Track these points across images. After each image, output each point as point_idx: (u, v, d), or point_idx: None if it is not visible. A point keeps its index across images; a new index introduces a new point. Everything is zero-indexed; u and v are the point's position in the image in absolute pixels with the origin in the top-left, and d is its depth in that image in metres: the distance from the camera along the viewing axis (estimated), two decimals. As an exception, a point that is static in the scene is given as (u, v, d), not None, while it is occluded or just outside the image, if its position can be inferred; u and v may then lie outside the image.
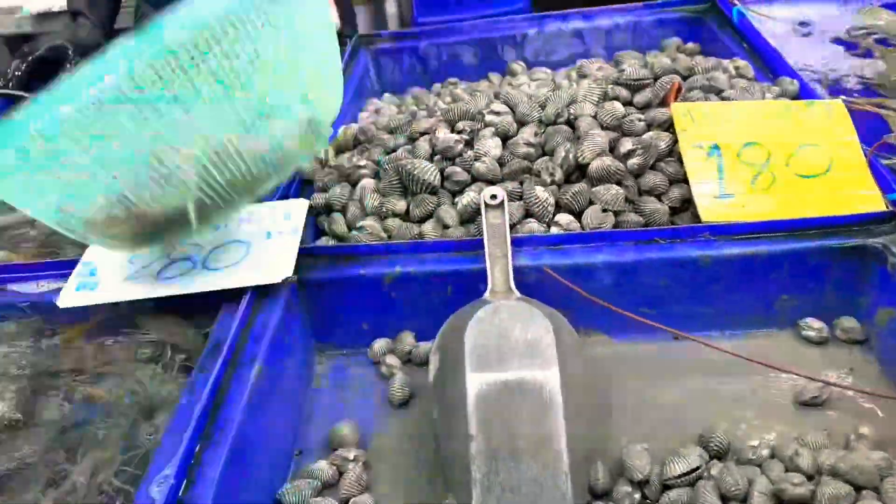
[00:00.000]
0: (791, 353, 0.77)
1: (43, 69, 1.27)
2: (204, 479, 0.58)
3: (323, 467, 0.67)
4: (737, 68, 0.99)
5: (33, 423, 0.66)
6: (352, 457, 0.68)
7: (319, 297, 0.80)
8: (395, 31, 1.51)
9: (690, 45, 1.24)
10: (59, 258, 0.85)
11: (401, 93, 1.35)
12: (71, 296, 0.74)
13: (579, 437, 0.63)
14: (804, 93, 0.96)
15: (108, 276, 0.76)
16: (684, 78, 0.96)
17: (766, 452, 0.64)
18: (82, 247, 0.81)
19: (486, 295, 0.74)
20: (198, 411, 0.62)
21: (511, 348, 0.65)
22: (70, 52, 1.28)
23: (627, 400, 0.74)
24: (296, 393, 0.76)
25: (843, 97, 0.90)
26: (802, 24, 1.26)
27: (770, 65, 1.07)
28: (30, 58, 1.28)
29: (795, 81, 0.97)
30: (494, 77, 1.31)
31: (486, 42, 1.40)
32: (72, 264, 0.79)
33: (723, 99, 0.91)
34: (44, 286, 0.79)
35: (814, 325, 0.77)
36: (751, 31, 1.16)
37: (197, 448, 0.60)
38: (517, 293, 0.73)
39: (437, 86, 1.33)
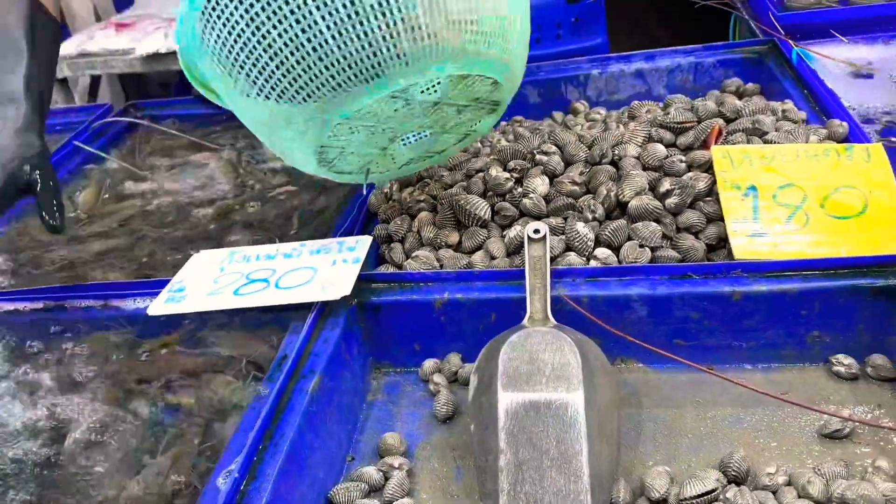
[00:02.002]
0: (821, 387, 0.79)
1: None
2: (263, 475, 0.66)
3: (371, 472, 0.75)
4: (784, 111, 1.03)
5: (125, 421, 0.77)
6: (397, 464, 0.75)
7: (377, 319, 0.88)
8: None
9: (750, 85, 1.27)
10: (154, 278, 0.97)
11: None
12: (160, 306, 0.85)
13: (601, 456, 0.69)
14: (853, 136, 0.99)
15: (193, 292, 0.87)
16: (730, 121, 1.00)
17: (781, 479, 0.68)
18: (174, 270, 0.93)
19: (525, 321, 0.80)
20: (262, 416, 0.70)
21: (540, 371, 0.71)
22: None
23: (656, 425, 0.78)
24: (352, 404, 0.84)
25: (885, 139, 0.92)
26: (864, 66, 1.28)
27: (824, 107, 1.09)
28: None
29: (845, 124, 0.99)
30: (557, 115, 1.38)
31: (551, 82, 1.47)
32: (164, 283, 0.91)
33: (766, 141, 0.95)
34: (139, 302, 0.91)
35: (844, 362, 0.79)
36: (808, 72, 1.19)
37: (259, 447, 0.68)
38: (553, 321, 0.80)
39: (501, 123, 1.41)
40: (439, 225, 0.96)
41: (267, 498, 0.64)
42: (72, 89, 2.15)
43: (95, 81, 2.19)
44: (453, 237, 0.94)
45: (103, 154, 1.35)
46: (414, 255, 0.93)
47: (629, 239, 0.88)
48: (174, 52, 2.34)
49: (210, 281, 0.90)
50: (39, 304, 0.93)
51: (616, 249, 0.88)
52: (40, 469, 0.72)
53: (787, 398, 0.75)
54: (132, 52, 2.06)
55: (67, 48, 2.30)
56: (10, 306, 0.94)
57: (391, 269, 0.95)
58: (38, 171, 0.86)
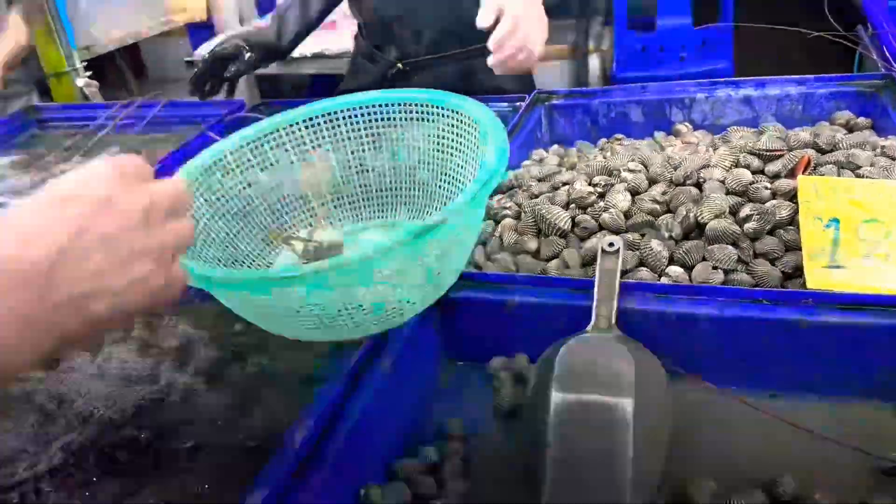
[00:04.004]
0: (885, 425, 0.78)
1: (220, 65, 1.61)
2: (336, 436, 0.74)
3: (430, 451, 0.80)
4: (884, 147, 1.01)
5: (226, 381, 0.86)
6: (455, 447, 0.81)
7: (453, 315, 0.94)
8: (573, 89, 1.64)
9: (861, 119, 1.24)
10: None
11: (568, 145, 1.48)
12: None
13: (646, 462, 0.71)
14: (955, 177, 0.96)
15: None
16: (824, 152, 0.99)
17: (826, 507, 0.68)
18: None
19: (588, 328, 0.84)
20: (338, 387, 0.78)
21: (594, 373, 0.74)
22: (245, 52, 1.59)
23: (709, 444, 0.80)
24: (420, 390, 0.90)
25: None
26: None
27: (932, 146, 1.06)
28: (212, 56, 1.62)
29: (946, 166, 0.97)
30: (659, 136, 1.40)
31: (656, 103, 1.49)
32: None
33: (858, 175, 0.94)
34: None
35: (913, 402, 0.78)
36: (922, 110, 1.16)
37: (331, 414, 0.76)
38: (617, 331, 0.83)
39: (602, 140, 1.44)
40: (520, 231, 1.01)
41: (335, 457, 0.72)
42: (211, 85, 2.34)
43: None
44: (532, 244, 0.99)
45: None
46: (493, 257, 0.99)
47: (703, 260, 0.90)
48: (307, 57, 2.51)
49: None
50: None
51: (689, 269, 0.90)
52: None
53: (843, 441, 0.75)
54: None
55: (210, 47, 2.51)
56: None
57: (471, 269, 1.00)
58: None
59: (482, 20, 1.21)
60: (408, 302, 0.82)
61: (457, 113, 0.95)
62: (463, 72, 1.58)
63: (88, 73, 1.93)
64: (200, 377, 0.87)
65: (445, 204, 1.00)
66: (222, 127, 1.57)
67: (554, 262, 0.96)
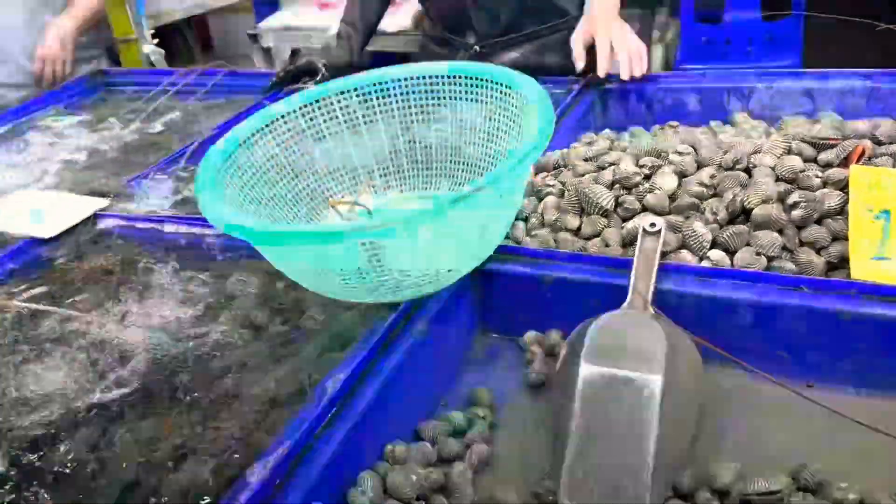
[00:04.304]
0: (926, 422, 0.76)
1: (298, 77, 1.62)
2: (365, 392, 0.76)
3: (458, 416, 0.82)
4: (947, 142, 0.97)
5: (266, 335, 0.89)
6: (482, 414, 0.82)
7: (489, 286, 0.95)
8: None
9: (928, 115, 1.20)
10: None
11: (621, 130, 1.46)
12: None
13: (671, 441, 0.71)
14: None
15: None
16: (881, 144, 0.97)
17: (853, 497, 0.67)
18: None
19: (623, 306, 0.83)
20: (370, 345, 0.80)
21: (624, 349, 0.74)
22: (320, 68, 1.60)
23: (740, 429, 0.79)
24: (452, 357, 0.92)
25: None
26: None
27: None
28: (289, 67, 1.65)
29: None
30: (715, 125, 1.37)
31: (713, 91, 1.46)
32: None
33: (916, 168, 0.91)
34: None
35: (956, 401, 0.76)
36: None
37: (363, 371, 0.78)
38: (652, 310, 0.82)
39: (655, 127, 1.42)
40: (562, 209, 1.01)
41: (362, 411, 0.73)
42: (274, 58, 2.39)
43: (295, 53, 2.42)
44: (573, 222, 0.99)
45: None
46: (533, 233, 0.99)
47: (747, 245, 0.88)
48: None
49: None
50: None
51: (731, 254, 0.88)
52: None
53: (880, 429, 0.73)
54: (329, 29, 2.26)
55: (273, 21, 2.56)
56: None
57: (510, 244, 1.01)
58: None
59: (579, 62, 1.45)
60: (445, 270, 0.83)
61: (507, 88, 0.96)
62: (536, 51, 1.58)
63: (155, 42, 1.99)
64: (241, 330, 0.89)
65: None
66: (281, 96, 1.60)
67: (595, 241, 0.96)
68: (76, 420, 0.77)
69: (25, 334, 0.91)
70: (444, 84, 1.01)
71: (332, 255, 0.76)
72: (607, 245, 0.94)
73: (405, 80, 1.03)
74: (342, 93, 1.04)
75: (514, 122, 0.95)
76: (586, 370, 0.74)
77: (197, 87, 1.73)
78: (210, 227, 1.07)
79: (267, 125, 0.99)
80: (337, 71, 1.62)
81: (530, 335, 0.93)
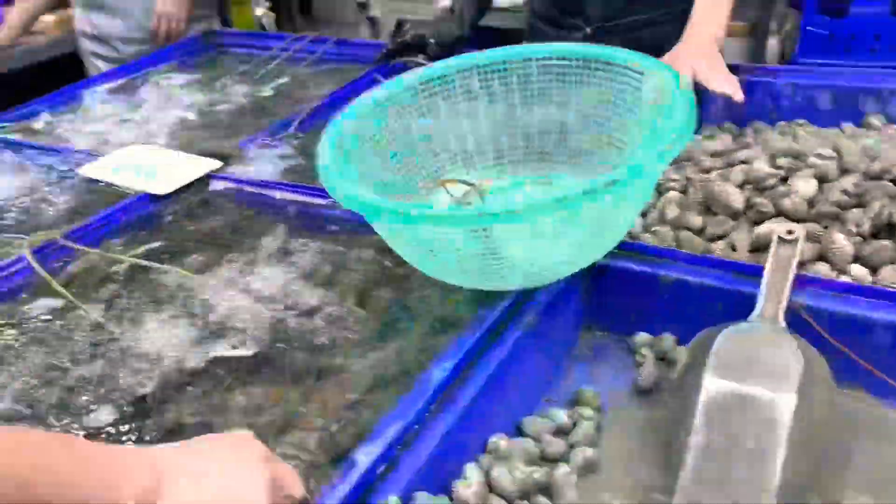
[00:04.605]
0: None
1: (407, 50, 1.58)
2: (470, 383, 0.73)
3: (562, 415, 0.78)
4: None
5: (373, 310, 0.88)
6: (588, 415, 0.78)
7: (601, 281, 0.90)
8: (756, 65, 1.53)
9: None
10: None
11: (743, 125, 1.38)
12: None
13: (799, 465, 0.66)
14: None
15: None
16: None
17: None
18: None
19: (752, 318, 0.78)
20: (477, 335, 0.77)
21: (754, 365, 0.69)
22: (430, 42, 1.56)
23: (871, 459, 0.73)
24: (558, 353, 0.88)
25: None
26: None
27: None
28: (398, 40, 1.61)
29: None
30: (847, 127, 1.27)
31: (847, 91, 1.36)
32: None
33: None
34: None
35: None
36: None
37: (470, 361, 0.75)
38: (783, 325, 0.77)
39: (781, 124, 1.33)
40: (685, 207, 0.95)
41: (468, 402, 0.71)
42: (380, 28, 2.38)
43: (400, 25, 2.40)
44: (697, 221, 0.93)
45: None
46: (652, 229, 0.94)
47: (893, 263, 0.81)
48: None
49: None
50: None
51: (874, 270, 0.81)
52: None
53: None
54: (437, 0, 2.23)
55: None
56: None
57: (626, 239, 0.96)
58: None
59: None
60: (564, 262, 0.79)
61: (633, 72, 0.91)
62: (653, 38, 1.49)
63: (268, 5, 2.00)
64: (348, 304, 0.88)
65: (608, 169, 0.96)
66: (387, 69, 1.58)
67: (720, 243, 0.90)
68: (182, 381, 0.78)
69: (138, 289, 0.92)
70: (573, 66, 0.97)
71: (450, 238, 0.73)
72: (734, 249, 0.88)
73: (529, 59, 0.99)
74: (462, 70, 1.01)
75: (639, 108, 0.90)
76: (711, 384, 0.69)
77: (306, 55, 1.73)
78: (319, 196, 1.07)
79: (387, 99, 0.97)
80: (445, 46, 1.59)
81: (641, 337, 0.88)
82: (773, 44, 2.90)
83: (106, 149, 1.34)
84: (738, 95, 1.18)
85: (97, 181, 1.20)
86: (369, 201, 0.72)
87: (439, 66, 1.00)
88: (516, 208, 0.68)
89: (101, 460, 0.51)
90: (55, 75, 2.24)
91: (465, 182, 0.98)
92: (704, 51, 1.21)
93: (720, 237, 0.91)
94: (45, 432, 0.67)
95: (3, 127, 1.48)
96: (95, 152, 1.30)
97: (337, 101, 1.47)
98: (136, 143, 1.34)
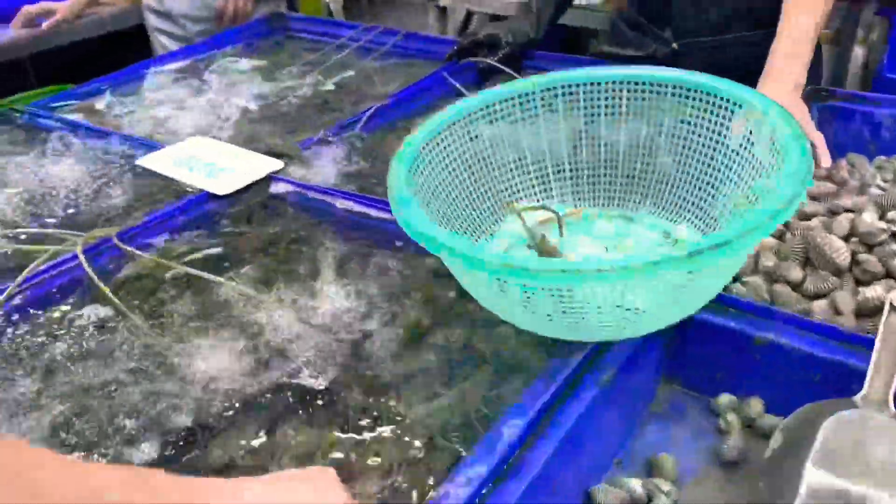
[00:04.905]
0: None
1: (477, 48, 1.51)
2: (541, 446, 0.67)
3: (636, 486, 0.72)
4: None
5: (433, 347, 0.82)
6: (665, 489, 0.71)
7: (682, 333, 0.83)
8: (855, 91, 1.42)
9: None
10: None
11: (837, 154, 1.28)
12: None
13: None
14: None
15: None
16: None
17: None
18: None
19: (857, 398, 0.70)
20: (550, 391, 0.71)
21: (865, 461, 0.62)
22: (502, 42, 1.49)
23: None
24: (633, 409, 0.81)
25: None
26: None
27: None
28: (469, 39, 1.53)
29: None
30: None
31: (959, 126, 1.25)
32: (491, 229, 0.94)
33: None
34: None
35: None
36: None
37: (542, 419, 0.69)
38: (893, 409, 0.69)
39: (880, 158, 1.23)
40: (782, 256, 0.87)
41: (539, 467, 0.65)
42: (448, 18, 2.31)
43: (469, 16, 2.32)
44: (795, 273, 0.85)
45: (463, 90, 1.42)
46: (744, 279, 0.86)
47: None
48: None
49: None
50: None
51: None
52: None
53: None
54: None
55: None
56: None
57: (715, 287, 0.88)
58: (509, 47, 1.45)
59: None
60: (652, 322, 0.72)
61: (731, 103, 0.83)
62: (743, 59, 1.38)
63: (336, -11, 1.94)
64: (407, 336, 0.82)
65: (693, 206, 0.89)
66: (456, 68, 1.52)
67: (821, 303, 0.82)
68: (231, 414, 0.73)
69: (191, 301, 0.88)
70: (667, 93, 0.89)
71: (531, 289, 0.67)
72: (837, 312, 0.80)
73: (618, 82, 0.92)
74: (546, 89, 0.93)
75: (730, 140, 0.83)
76: (813, 477, 0.62)
77: (374, 46, 1.67)
78: (383, 209, 1.01)
79: (463, 117, 0.90)
80: (517, 46, 1.51)
81: (725, 399, 0.81)
82: (858, 53, 2.74)
83: (167, 137, 1.31)
84: (825, 160, 1.08)
85: (156, 174, 1.16)
86: (449, 244, 0.66)
87: (521, 85, 0.93)
88: (604, 267, 0.61)
89: (205, 493, 0.52)
90: (121, 47, 2.24)
91: (548, 209, 0.91)
92: (785, 100, 1.06)
93: (821, 296, 0.83)
94: (145, 468, 0.65)
95: (67, 105, 1.47)
96: (155, 141, 1.27)
97: (402, 101, 1.41)
98: (197, 135, 1.30)
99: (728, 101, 0.84)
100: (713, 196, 0.88)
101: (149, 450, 0.68)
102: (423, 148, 0.84)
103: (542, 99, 0.93)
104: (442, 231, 0.69)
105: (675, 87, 0.88)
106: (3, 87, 1.97)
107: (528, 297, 0.67)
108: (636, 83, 0.91)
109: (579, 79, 0.92)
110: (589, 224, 0.93)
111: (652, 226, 0.91)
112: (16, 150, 1.28)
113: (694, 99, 0.87)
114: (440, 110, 0.90)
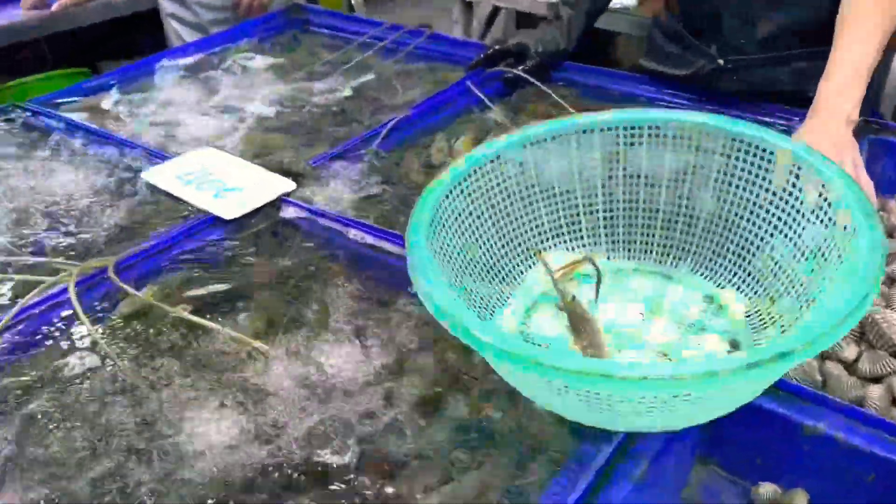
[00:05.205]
0: None
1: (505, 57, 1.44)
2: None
3: (666, 590, 0.66)
4: None
5: (448, 418, 0.75)
6: None
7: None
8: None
9: None
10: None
11: (885, 192, 1.19)
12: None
13: None
14: None
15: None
16: None
17: None
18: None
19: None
20: (581, 487, 0.65)
21: None
22: (531, 52, 1.41)
23: None
24: (663, 495, 0.75)
25: None
26: None
27: None
28: (497, 48, 1.46)
29: None
30: None
31: None
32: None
33: None
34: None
35: None
36: None
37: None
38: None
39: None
40: (836, 329, 0.80)
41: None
42: (475, 12, 2.21)
43: (496, 11, 2.22)
44: (850, 352, 0.78)
45: (489, 103, 1.34)
46: (793, 355, 0.78)
47: None
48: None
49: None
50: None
51: None
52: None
53: None
54: (541, -9, 2.05)
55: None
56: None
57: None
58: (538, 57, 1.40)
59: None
60: (694, 416, 0.66)
61: (797, 168, 0.75)
62: (793, 78, 1.29)
63: (358, -19, 1.85)
64: (419, 403, 0.76)
65: (735, 265, 0.81)
66: (482, 77, 1.43)
67: (878, 389, 0.74)
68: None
69: (189, 352, 0.81)
70: (717, 141, 0.81)
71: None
72: (895, 400, 0.73)
73: (661, 126, 0.84)
74: (583, 130, 0.86)
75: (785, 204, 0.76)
76: None
77: (398, 47, 1.59)
78: (400, 245, 0.94)
79: (491, 161, 0.83)
80: (546, 56, 1.43)
81: (768, 489, 0.74)
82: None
83: (174, 144, 1.24)
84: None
85: (160, 190, 1.10)
86: (484, 339, 0.58)
87: (558, 125, 0.85)
88: (653, 374, 0.53)
89: None
90: (133, 29, 2.17)
91: (590, 260, 0.84)
92: (835, 138, 0.98)
93: (877, 379, 0.75)
94: None
95: (72, 101, 1.40)
96: (161, 150, 1.20)
97: (424, 113, 1.33)
98: (207, 142, 1.24)
99: (796, 167, 0.76)
100: (756, 251, 0.80)
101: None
102: (443, 201, 0.77)
103: (578, 141, 0.85)
104: (472, 317, 0.61)
105: (725, 138, 0.81)
106: (20, 68, 1.92)
107: (565, 389, 0.60)
108: (680, 125, 0.83)
109: (619, 122, 0.85)
110: (622, 279, 0.86)
111: (693, 286, 0.84)
112: (14, 154, 1.21)
113: (745, 153, 0.80)
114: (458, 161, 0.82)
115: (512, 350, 0.56)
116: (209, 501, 0.66)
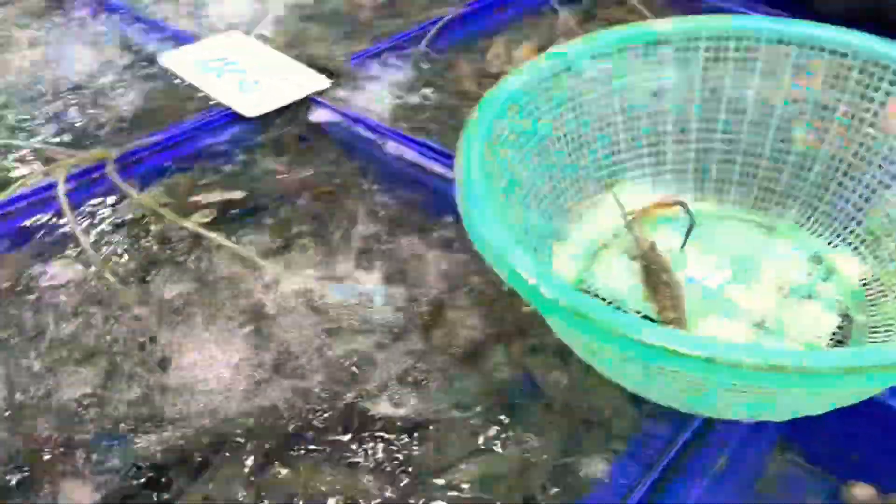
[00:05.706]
0: None
1: None
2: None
3: None
4: None
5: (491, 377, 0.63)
6: None
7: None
8: None
9: None
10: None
11: None
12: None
13: None
14: None
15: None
16: None
17: None
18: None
19: None
20: (652, 474, 0.53)
21: None
22: None
23: None
24: (740, 488, 0.63)
25: None
26: None
27: None
28: None
29: None
30: None
31: None
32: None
33: None
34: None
35: None
36: None
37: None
38: None
39: None
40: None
41: None
42: None
43: None
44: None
45: (556, 5, 1.17)
46: None
47: None
48: None
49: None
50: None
51: None
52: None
53: None
54: None
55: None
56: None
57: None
58: None
59: None
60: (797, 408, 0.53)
61: None
62: None
63: None
64: (452, 356, 0.64)
65: (848, 218, 0.66)
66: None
67: None
68: (212, 443, 0.56)
69: (192, 266, 0.70)
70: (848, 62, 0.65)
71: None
72: None
73: (784, 41, 0.68)
74: (678, 38, 0.70)
75: None
76: None
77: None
78: (444, 164, 0.81)
79: (557, 73, 0.67)
80: None
81: (865, 491, 0.62)
82: None
83: (200, 27, 1.10)
84: None
85: (177, 77, 0.96)
86: (551, 295, 0.45)
87: (638, 34, 0.69)
88: (778, 363, 0.40)
89: None
90: None
91: (681, 204, 0.70)
92: None
93: None
94: None
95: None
96: (186, 31, 1.06)
97: (482, 11, 1.17)
98: (237, 27, 1.09)
99: None
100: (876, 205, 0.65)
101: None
102: (501, 117, 0.62)
103: (676, 49, 0.70)
104: (546, 271, 0.47)
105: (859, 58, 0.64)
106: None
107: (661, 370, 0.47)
108: (804, 43, 0.67)
109: (722, 31, 0.69)
110: (711, 227, 0.71)
111: (798, 242, 0.69)
112: (27, 23, 1.09)
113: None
114: (531, 60, 0.67)
115: (602, 321, 0.43)
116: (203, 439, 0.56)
